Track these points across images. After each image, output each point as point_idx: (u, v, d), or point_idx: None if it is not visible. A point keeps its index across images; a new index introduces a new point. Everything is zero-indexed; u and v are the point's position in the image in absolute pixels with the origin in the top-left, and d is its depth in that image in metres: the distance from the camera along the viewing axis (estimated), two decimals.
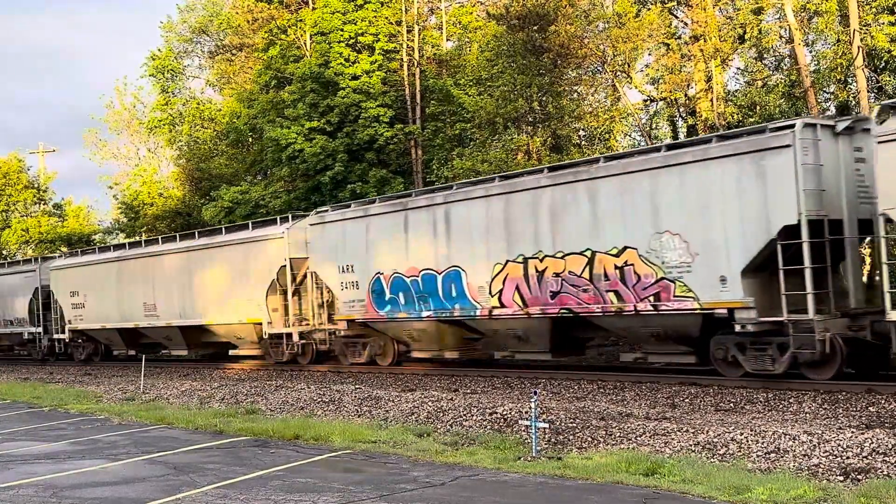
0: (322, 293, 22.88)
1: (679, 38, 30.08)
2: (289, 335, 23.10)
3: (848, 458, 8.96)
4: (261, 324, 23.51)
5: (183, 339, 26.92)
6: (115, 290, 28.63)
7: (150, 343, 28.98)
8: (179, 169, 45.85)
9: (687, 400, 13.98)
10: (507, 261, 17.97)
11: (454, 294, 19.08)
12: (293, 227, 22.89)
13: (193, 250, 25.88)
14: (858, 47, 22.22)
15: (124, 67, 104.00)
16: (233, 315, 24.35)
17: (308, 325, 23.10)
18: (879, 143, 12.61)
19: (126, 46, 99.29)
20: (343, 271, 21.36)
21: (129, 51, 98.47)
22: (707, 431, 10.47)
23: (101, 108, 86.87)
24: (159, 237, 30.28)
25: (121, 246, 30.93)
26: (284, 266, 22.92)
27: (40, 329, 32.80)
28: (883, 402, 12.40)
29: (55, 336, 32.12)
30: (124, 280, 28.29)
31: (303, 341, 23.24)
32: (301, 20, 35.65)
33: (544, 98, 28.32)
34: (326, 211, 22.63)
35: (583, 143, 30.28)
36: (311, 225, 22.45)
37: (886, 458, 8.78)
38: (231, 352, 27.69)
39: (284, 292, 22.95)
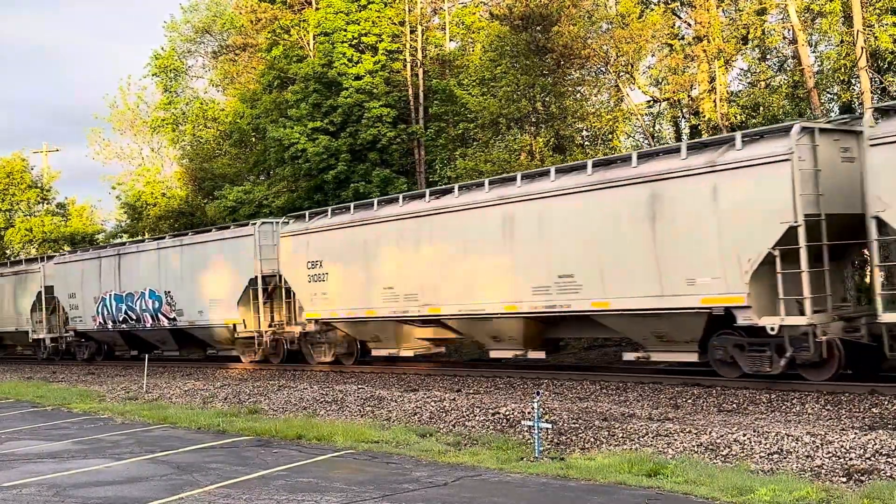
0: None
1: (682, 38, 30.04)
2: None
3: (851, 459, 8.95)
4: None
5: None
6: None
7: None
8: (182, 169, 45.83)
9: (690, 401, 13.97)
10: None
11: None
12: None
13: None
14: (862, 48, 22.18)
15: (116, 66, 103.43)
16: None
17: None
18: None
19: (118, 45, 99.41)
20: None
21: (121, 50, 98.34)
22: (710, 432, 10.46)
23: (96, 107, 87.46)
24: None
25: None
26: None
27: None
28: (886, 403, 12.37)
29: None
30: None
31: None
32: (304, 20, 35.61)
33: (547, 98, 28.27)
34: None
35: (586, 143, 30.22)
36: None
37: (890, 460, 8.78)
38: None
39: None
